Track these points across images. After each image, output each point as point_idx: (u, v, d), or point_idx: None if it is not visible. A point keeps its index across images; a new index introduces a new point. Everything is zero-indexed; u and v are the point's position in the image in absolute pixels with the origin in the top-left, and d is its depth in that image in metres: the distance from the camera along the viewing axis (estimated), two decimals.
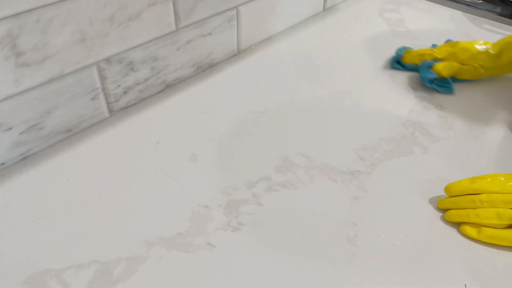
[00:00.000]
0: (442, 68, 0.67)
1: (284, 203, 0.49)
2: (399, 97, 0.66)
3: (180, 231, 0.45)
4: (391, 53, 0.75)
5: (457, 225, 0.46)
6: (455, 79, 0.68)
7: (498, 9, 0.88)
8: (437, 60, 0.69)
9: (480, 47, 0.66)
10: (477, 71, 0.67)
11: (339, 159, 0.54)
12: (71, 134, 0.57)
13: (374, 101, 0.65)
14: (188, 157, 0.54)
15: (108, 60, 0.56)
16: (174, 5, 0.60)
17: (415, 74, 0.71)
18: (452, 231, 0.46)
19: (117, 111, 0.61)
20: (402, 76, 0.71)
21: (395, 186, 0.51)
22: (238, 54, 0.75)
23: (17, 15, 0.45)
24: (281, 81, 0.69)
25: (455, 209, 0.46)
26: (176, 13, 0.61)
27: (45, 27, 0.48)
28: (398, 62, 0.72)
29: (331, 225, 0.47)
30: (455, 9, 0.91)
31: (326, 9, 0.90)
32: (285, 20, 0.81)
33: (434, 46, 0.74)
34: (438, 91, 0.66)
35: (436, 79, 0.66)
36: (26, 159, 0.54)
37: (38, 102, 0.52)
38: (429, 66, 0.68)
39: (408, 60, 0.72)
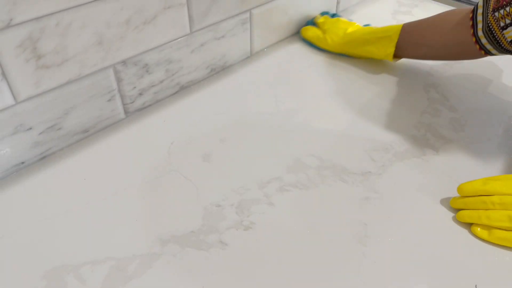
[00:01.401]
0: (307, 31, 0.79)
1: (295, 203, 0.49)
2: (411, 99, 0.66)
3: (193, 229, 0.46)
4: None
5: (467, 225, 0.46)
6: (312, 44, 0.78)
7: None
8: (315, 24, 0.81)
9: (347, 27, 0.75)
10: (327, 44, 0.75)
11: (350, 160, 0.55)
12: (88, 135, 0.59)
13: (386, 103, 0.65)
14: (201, 157, 0.55)
15: (124, 62, 0.57)
16: (188, 8, 0.61)
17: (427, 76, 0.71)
18: (462, 232, 0.46)
19: (133, 112, 0.62)
20: (414, 77, 0.71)
21: (406, 187, 0.51)
22: (251, 56, 0.76)
23: (37, 19, 0.47)
24: (293, 83, 0.70)
25: (466, 209, 0.46)
26: (190, 16, 0.62)
27: (65, 31, 0.49)
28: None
29: (341, 224, 0.47)
30: None
31: (339, 12, 0.90)
32: (297, 23, 0.82)
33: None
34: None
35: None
36: (45, 159, 0.55)
37: (57, 103, 0.53)
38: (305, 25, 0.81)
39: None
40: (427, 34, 0.64)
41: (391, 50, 0.67)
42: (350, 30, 0.74)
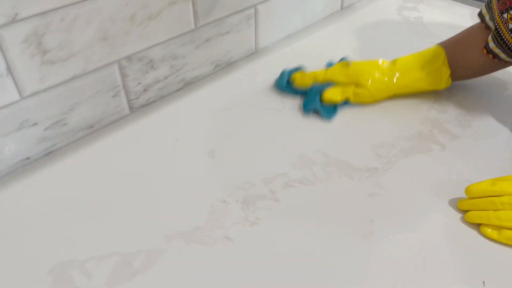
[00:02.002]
0: (332, 95, 0.60)
1: (301, 199, 0.49)
2: (417, 95, 0.65)
3: (199, 225, 0.46)
4: (410, 49, 0.74)
5: (476, 224, 0.46)
6: (347, 102, 0.62)
7: None
8: (329, 83, 0.61)
9: (376, 68, 0.61)
10: (372, 96, 0.61)
11: (356, 156, 0.55)
12: (93, 130, 0.59)
13: (391, 99, 0.65)
14: (206, 153, 0.55)
15: (129, 58, 0.57)
16: (193, 4, 0.61)
17: None
18: (470, 231, 0.46)
19: (138, 108, 0.62)
20: None
21: (412, 184, 0.51)
22: (255, 52, 0.75)
23: (42, 14, 0.47)
24: None
25: (475, 210, 0.46)
26: (195, 12, 0.62)
27: (70, 26, 0.49)
28: (288, 84, 0.64)
29: (347, 221, 0.47)
30: (475, 6, 0.90)
31: (344, 8, 0.90)
32: (302, 19, 0.81)
33: (330, 64, 0.66)
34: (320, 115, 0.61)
35: (321, 106, 0.60)
36: (50, 154, 0.55)
37: (62, 98, 0.53)
38: (318, 92, 0.61)
39: (300, 83, 0.63)
40: (467, 55, 0.60)
41: (447, 72, 0.60)
42: (387, 70, 0.60)
